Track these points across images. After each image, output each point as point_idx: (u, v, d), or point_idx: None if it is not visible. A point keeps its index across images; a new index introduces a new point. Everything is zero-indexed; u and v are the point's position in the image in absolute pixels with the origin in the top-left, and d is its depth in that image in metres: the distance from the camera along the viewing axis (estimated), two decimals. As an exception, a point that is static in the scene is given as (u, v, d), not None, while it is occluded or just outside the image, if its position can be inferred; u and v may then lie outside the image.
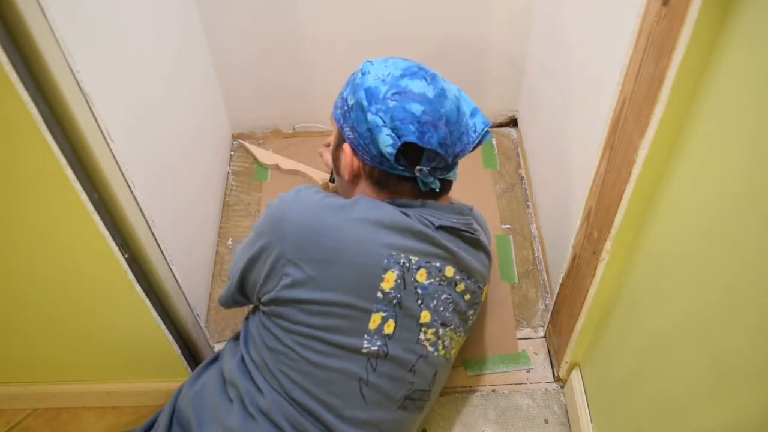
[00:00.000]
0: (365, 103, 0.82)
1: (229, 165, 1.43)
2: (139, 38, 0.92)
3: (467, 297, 0.91)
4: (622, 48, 0.69)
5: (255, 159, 1.43)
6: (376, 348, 0.82)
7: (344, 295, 0.80)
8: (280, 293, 0.81)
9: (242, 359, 0.87)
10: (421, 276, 0.84)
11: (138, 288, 0.84)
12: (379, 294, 0.81)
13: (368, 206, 0.83)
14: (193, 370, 1.04)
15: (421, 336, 0.85)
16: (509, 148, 1.44)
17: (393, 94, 0.82)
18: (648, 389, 0.77)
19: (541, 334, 1.17)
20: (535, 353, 1.15)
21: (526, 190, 1.38)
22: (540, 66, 1.24)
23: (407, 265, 0.82)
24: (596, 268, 0.84)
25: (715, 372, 0.61)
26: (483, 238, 0.94)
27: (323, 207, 0.82)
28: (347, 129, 0.87)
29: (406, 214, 0.84)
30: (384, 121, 0.81)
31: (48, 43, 0.60)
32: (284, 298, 0.81)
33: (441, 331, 0.88)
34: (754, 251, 0.53)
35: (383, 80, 0.84)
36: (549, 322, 1.14)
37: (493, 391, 1.11)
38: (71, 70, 0.64)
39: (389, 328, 0.83)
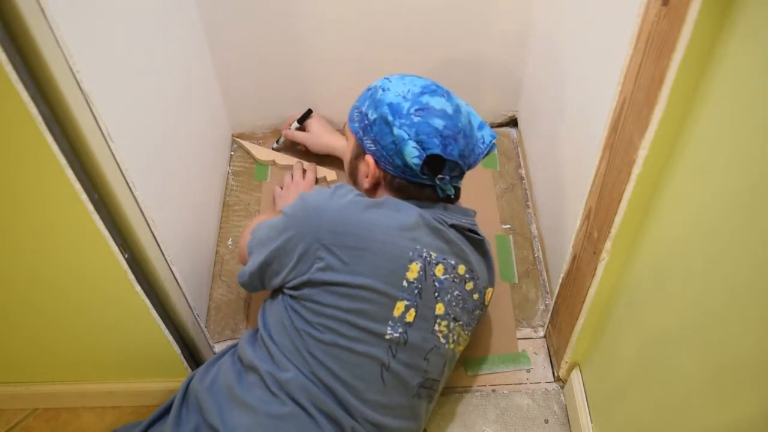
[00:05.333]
0: (390, 118, 0.89)
1: (229, 165, 1.43)
2: (139, 38, 0.92)
3: (475, 296, 0.96)
4: (622, 48, 0.69)
5: (252, 156, 1.43)
6: (397, 335, 0.87)
7: (374, 280, 0.85)
8: (313, 276, 0.86)
9: (263, 344, 0.90)
10: (439, 271, 0.90)
11: (138, 288, 0.84)
12: (405, 283, 0.87)
13: (397, 205, 0.90)
14: (193, 369, 1.04)
15: (436, 327, 0.90)
16: (509, 148, 1.44)
17: (416, 110, 0.89)
18: (648, 389, 0.77)
19: (541, 334, 1.17)
20: (535, 353, 1.15)
21: (526, 190, 1.38)
22: (540, 66, 1.24)
23: (428, 259, 0.89)
24: (596, 268, 0.84)
25: (715, 372, 0.61)
26: (487, 241, 1.01)
27: (358, 203, 0.88)
28: (368, 141, 0.93)
29: (424, 213, 0.91)
30: (409, 135, 0.88)
31: (48, 43, 0.60)
32: (317, 281, 0.86)
33: (452, 324, 0.93)
34: (754, 251, 0.53)
35: (404, 97, 0.90)
36: (549, 322, 1.14)
37: (493, 391, 1.11)
38: (71, 70, 0.64)
39: (410, 316, 0.88)
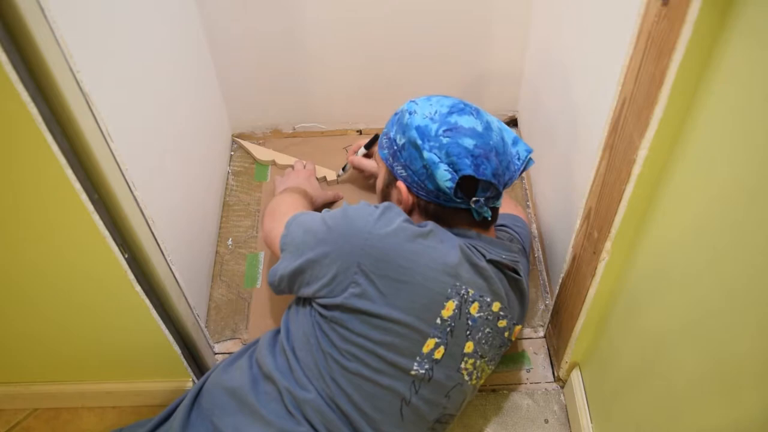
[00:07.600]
0: (419, 142, 0.86)
1: (229, 165, 1.43)
2: (139, 38, 0.92)
3: (506, 334, 0.94)
4: (622, 48, 0.69)
5: (252, 156, 1.43)
6: (423, 372, 0.85)
7: (408, 315, 0.82)
8: (347, 300, 0.82)
9: (284, 355, 0.88)
10: (474, 309, 0.87)
11: (138, 288, 0.84)
12: (438, 320, 0.84)
13: (442, 236, 0.86)
14: (193, 370, 1.04)
15: (462, 365, 0.88)
16: (509, 148, 1.44)
17: (445, 131, 0.86)
18: (648, 389, 0.77)
19: (541, 334, 1.17)
20: (535, 353, 1.15)
21: (526, 190, 1.38)
22: (540, 66, 1.24)
23: (465, 296, 0.86)
24: (596, 268, 0.84)
25: (715, 372, 0.61)
26: (525, 280, 0.97)
27: (405, 230, 0.83)
28: (399, 167, 0.91)
29: (465, 245, 0.87)
30: (440, 158, 0.85)
31: (48, 43, 0.60)
32: (350, 307, 0.82)
33: (478, 362, 0.91)
34: (754, 251, 0.53)
35: (432, 118, 0.88)
36: (549, 322, 1.14)
37: (493, 391, 1.11)
38: (71, 70, 0.64)
39: (439, 354, 0.85)
